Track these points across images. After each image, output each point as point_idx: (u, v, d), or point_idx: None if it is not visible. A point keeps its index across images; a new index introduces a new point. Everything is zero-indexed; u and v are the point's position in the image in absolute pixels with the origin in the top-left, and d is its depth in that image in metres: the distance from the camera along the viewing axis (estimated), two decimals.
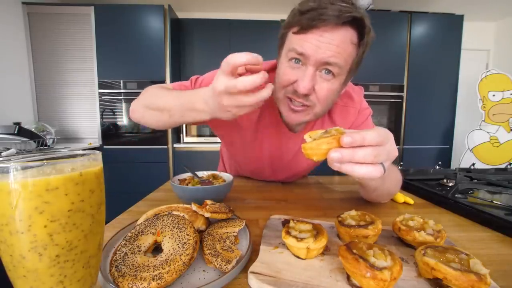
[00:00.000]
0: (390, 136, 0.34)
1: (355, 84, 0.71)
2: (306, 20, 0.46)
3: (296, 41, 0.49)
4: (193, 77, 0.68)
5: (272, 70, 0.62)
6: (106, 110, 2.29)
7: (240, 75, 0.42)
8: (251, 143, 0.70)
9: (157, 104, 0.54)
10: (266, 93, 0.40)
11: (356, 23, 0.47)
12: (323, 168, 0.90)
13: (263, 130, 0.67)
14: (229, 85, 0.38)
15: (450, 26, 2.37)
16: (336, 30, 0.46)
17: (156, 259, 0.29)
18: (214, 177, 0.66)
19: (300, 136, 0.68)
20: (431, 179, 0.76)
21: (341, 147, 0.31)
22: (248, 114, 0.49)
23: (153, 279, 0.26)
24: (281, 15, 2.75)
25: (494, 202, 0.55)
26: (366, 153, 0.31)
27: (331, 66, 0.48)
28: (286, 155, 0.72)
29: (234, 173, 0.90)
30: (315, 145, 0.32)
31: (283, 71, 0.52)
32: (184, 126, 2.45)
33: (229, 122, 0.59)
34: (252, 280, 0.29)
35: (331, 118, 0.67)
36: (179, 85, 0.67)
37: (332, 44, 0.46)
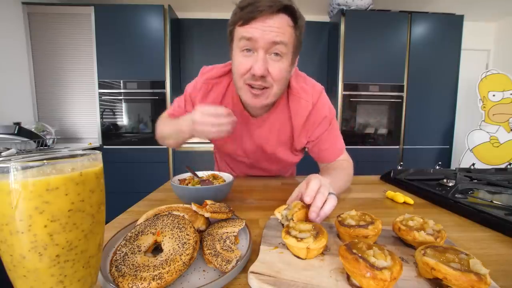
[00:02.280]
0: (319, 177, 0.50)
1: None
2: (246, 13, 0.54)
3: (243, 31, 0.56)
4: (186, 88, 0.79)
5: (229, 65, 0.72)
6: (106, 110, 2.29)
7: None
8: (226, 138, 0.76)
9: (166, 134, 0.74)
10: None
11: (288, 10, 0.55)
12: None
13: None
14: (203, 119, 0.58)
15: (450, 26, 2.37)
16: (273, 16, 0.54)
17: (156, 259, 0.29)
18: (214, 177, 0.66)
19: (264, 120, 0.74)
20: (431, 179, 0.76)
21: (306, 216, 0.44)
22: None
23: (153, 279, 0.26)
24: None
25: (494, 202, 0.55)
26: (320, 199, 0.45)
27: (278, 45, 0.56)
28: (258, 141, 0.77)
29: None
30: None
31: (238, 62, 0.59)
32: None
33: None
34: (252, 280, 0.29)
35: (289, 106, 0.73)
36: (171, 109, 0.82)
37: (274, 26, 0.54)
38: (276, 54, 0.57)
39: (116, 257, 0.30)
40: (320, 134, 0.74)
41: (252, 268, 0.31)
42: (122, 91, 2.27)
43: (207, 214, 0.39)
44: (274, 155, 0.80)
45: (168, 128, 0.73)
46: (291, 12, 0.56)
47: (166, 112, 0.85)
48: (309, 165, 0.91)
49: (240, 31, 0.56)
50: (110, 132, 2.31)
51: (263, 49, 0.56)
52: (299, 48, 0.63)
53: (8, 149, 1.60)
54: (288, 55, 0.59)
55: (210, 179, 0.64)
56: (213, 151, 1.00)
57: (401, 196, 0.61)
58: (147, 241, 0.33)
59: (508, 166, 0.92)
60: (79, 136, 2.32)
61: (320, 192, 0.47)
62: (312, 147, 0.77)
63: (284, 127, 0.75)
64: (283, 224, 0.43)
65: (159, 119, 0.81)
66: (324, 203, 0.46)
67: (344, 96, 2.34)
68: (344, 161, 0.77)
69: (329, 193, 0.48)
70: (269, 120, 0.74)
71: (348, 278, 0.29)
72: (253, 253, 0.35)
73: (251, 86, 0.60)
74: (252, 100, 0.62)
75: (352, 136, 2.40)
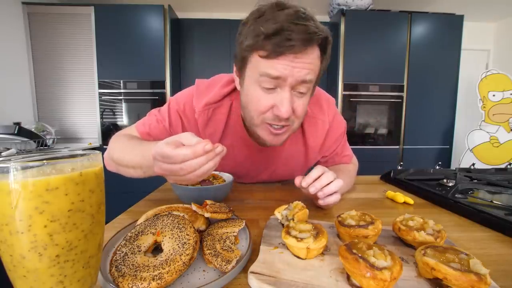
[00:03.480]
0: (323, 167, 0.50)
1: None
2: (273, 46, 0.44)
3: (267, 66, 0.46)
4: (171, 99, 0.66)
5: (229, 85, 0.62)
6: (106, 110, 2.29)
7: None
8: (226, 161, 0.68)
9: (126, 162, 0.51)
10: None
11: (323, 42, 0.47)
12: None
13: (229, 150, 0.64)
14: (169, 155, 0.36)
15: (450, 26, 2.37)
16: (306, 51, 0.46)
17: (156, 259, 0.29)
18: (214, 177, 0.66)
19: (273, 149, 0.68)
20: (431, 179, 0.75)
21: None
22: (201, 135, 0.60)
23: (153, 279, 0.26)
24: None
25: (494, 202, 0.55)
26: (326, 177, 0.48)
27: (306, 83, 0.48)
28: (263, 166, 0.73)
29: None
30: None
31: (257, 98, 0.51)
32: None
33: None
34: (252, 280, 0.29)
35: (303, 129, 0.68)
36: (143, 124, 0.64)
37: (306, 63, 0.46)
38: (301, 92, 0.50)
39: (116, 257, 0.30)
40: (335, 149, 0.74)
41: (252, 268, 0.31)
42: (122, 91, 2.27)
43: (207, 214, 0.39)
44: (281, 177, 0.78)
45: (134, 156, 0.49)
46: (324, 44, 0.48)
47: (132, 128, 0.65)
48: None
49: (263, 66, 0.47)
50: (110, 132, 2.30)
51: (289, 86, 0.48)
52: (321, 77, 0.56)
53: (8, 149, 1.60)
54: (311, 89, 0.53)
55: (210, 179, 0.64)
56: None
57: (401, 196, 0.61)
58: (147, 241, 0.33)
59: (508, 166, 0.92)
60: (79, 136, 2.32)
61: (324, 175, 0.48)
62: (324, 162, 0.77)
63: (297, 152, 0.71)
64: (283, 224, 0.43)
65: (115, 136, 0.60)
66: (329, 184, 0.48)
67: (344, 96, 2.34)
68: (350, 164, 0.77)
69: (335, 179, 0.49)
70: (278, 148, 0.68)
71: (348, 278, 0.29)
72: (253, 253, 0.35)
73: (271, 125, 0.53)
74: (272, 139, 0.56)
75: (352, 136, 2.40)
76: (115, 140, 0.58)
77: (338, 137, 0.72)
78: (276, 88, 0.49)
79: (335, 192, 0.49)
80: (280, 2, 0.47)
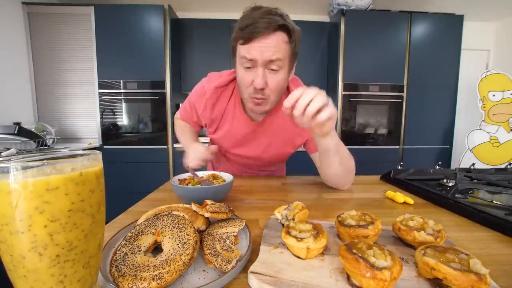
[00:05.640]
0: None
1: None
2: (246, 34, 0.60)
3: (244, 51, 0.62)
4: (190, 95, 0.85)
5: (234, 73, 0.78)
6: (106, 110, 2.29)
7: None
8: (225, 132, 0.83)
9: (178, 138, 0.93)
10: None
11: (283, 27, 0.60)
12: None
13: (228, 122, 0.81)
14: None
15: (450, 26, 2.37)
16: (270, 36, 0.59)
17: (156, 259, 0.29)
18: (214, 177, 0.66)
19: (262, 123, 0.81)
20: (431, 179, 0.76)
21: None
22: (210, 113, 0.80)
23: (153, 279, 0.26)
24: None
25: (494, 202, 0.55)
26: (308, 96, 0.48)
27: (274, 62, 0.62)
28: (256, 139, 0.83)
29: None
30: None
31: (241, 76, 0.67)
32: None
33: (198, 123, 0.87)
34: (252, 280, 0.29)
35: None
36: (180, 111, 0.92)
37: (270, 46, 0.60)
38: (273, 69, 0.63)
39: (116, 257, 0.30)
40: None
41: (252, 268, 0.31)
42: (122, 91, 2.27)
43: (207, 214, 0.39)
44: (275, 153, 0.85)
45: (180, 138, 0.91)
46: (286, 29, 0.61)
47: (178, 113, 0.95)
48: (299, 167, 0.95)
49: (241, 50, 0.62)
50: (110, 132, 2.31)
51: (261, 66, 0.62)
52: (295, 56, 0.68)
53: (8, 149, 1.60)
54: (284, 67, 0.65)
55: (210, 179, 0.64)
56: None
57: (401, 196, 0.61)
58: (147, 241, 0.33)
59: (508, 166, 0.92)
60: (79, 136, 2.32)
61: (305, 93, 0.49)
62: (309, 141, 0.82)
63: (284, 127, 0.80)
64: (283, 224, 0.43)
65: (175, 118, 0.97)
66: (319, 111, 0.49)
67: (344, 96, 2.34)
68: None
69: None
70: (267, 122, 0.80)
71: (348, 278, 0.29)
72: (253, 253, 0.35)
73: (254, 98, 0.68)
74: (255, 108, 0.71)
75: (352, 136, 2.40)
76: (176, 124, 0.96)
77: None
78: (253, 67, 0.63)
79: (323, 108, 0.49)
80: (257, 6, 0.63)
